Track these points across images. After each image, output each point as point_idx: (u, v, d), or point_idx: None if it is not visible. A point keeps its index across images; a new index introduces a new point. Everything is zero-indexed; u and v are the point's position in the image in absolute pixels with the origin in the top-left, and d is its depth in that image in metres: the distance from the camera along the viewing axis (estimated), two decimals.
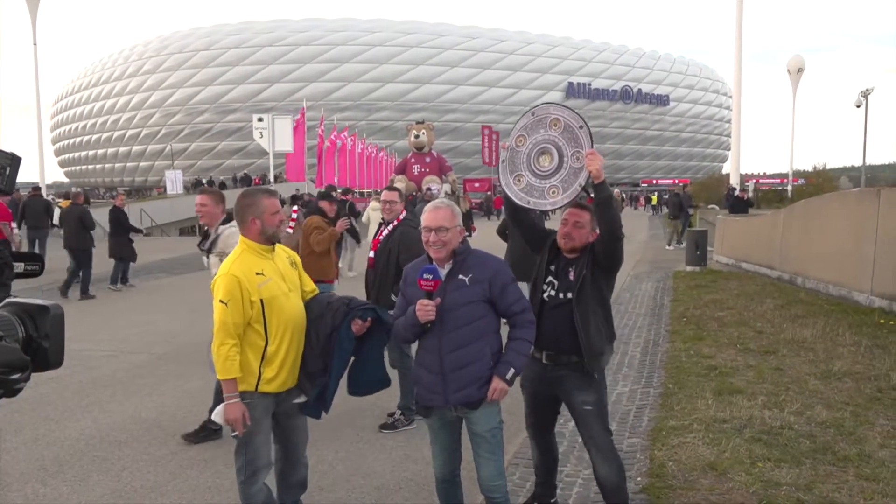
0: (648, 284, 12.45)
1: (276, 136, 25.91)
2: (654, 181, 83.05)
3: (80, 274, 11.98)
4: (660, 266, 15.49)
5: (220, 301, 2.98)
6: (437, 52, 77.32)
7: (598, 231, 3.30)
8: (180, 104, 76.93)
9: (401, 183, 14.27)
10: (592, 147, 3.17)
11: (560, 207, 3.37)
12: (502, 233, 8.40)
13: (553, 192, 3.25)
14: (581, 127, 3.22)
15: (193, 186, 47.70)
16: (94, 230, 12.68)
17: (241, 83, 74.64)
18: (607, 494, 3.36)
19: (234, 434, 3.13)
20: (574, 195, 3.22)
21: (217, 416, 3.04)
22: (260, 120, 26.46)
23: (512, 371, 2.97)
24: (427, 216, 3.00)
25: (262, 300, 3.01)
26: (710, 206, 25.91)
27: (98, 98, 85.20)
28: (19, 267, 1.25)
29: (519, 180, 3.35)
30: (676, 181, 78.27)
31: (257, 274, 3.04)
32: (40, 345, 1.21)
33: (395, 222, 5.36)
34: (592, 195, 3.24)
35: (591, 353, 3.26)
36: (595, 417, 3.33)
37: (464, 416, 3.05)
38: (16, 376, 1.13)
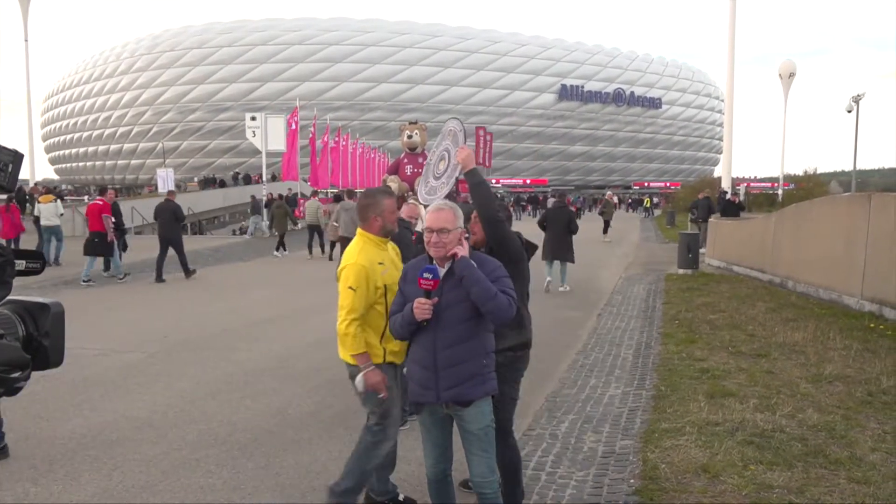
0: (640, 287, 12.50)
1: (268, 135, 25.79)
2: (646, 184, 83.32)
3: (179, 258, 14.04)
4: (651, 269, 15.57)
5: (350, 287, 3.35)
6: (431, 53, 77.30)
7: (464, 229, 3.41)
8: (172, 102, 76.56)
9: (394, 183, 14.18)
10: (465, 144, 3.75)
11: (444, 196, 3.98)
12: (541, 224, 12.21)
13: (443, 187, 4.00)
14: (461, 131, 3.97)
15: (203, 184, 47.39)
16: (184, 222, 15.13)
17: (234, 82, 74.33)
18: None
19: (374, 398, 3.40)
20: (453, 184, 3.93)
21: (359, 383, 3.34)
22: (253, 119, 26.34)
23: (472, 265, 2.95)
24: (429, 217, 3.03)
25: (385, 286, 3.41)
26: None
27: (89, 95, 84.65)
28: (20, 264, 1.24)
29: (426, 184, 4.16)
30: (668, 184, 78.82)
31: (379, 264, 3.46)
32: (40, 343, 1.21)
33: None
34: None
35: None
36: None
37: (454, 413, 3.06)
38: (16, 374, 1.12)
